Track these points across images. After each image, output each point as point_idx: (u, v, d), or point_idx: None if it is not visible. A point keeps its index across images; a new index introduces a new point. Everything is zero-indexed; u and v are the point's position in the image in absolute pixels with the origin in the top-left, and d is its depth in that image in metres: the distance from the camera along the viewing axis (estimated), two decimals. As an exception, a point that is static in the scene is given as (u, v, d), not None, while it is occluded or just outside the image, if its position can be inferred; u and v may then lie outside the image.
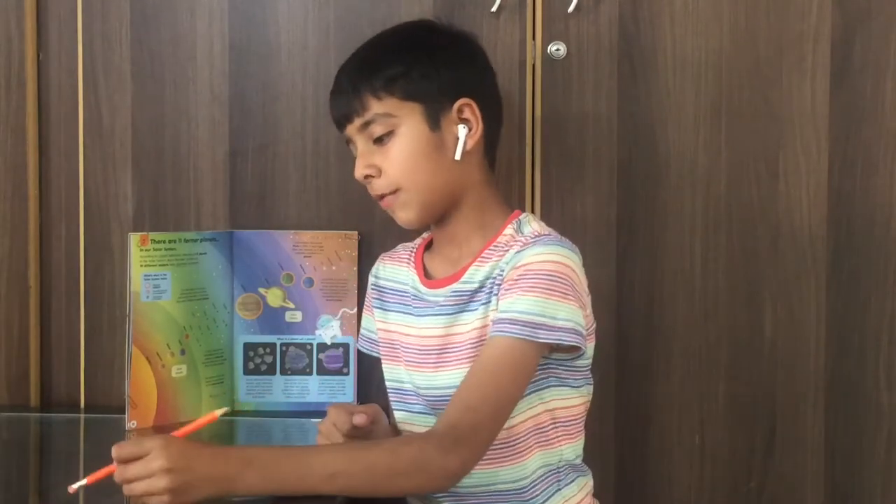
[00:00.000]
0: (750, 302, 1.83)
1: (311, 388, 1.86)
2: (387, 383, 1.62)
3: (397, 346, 1.59)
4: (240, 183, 1.89)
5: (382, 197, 1.54)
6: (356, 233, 1.86)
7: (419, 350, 1.55)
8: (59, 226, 1.91)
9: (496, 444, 1.45)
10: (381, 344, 1.63)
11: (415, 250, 1.63)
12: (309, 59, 1.87)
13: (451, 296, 1.52)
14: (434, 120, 1.51)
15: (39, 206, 1.91)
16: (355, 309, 1.84)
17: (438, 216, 1.55)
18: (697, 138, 1.82)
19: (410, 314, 1.57)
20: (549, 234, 1.50)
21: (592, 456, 1.59)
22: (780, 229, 1.82)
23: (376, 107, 1.51)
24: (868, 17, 1.80)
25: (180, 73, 1.89)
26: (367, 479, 1.32)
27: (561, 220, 1.79)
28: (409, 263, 1.62)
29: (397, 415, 1.60)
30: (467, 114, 1.52)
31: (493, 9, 1.80)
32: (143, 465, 1.26)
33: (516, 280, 1.44)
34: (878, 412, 1.82)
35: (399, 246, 1.67)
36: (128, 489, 1.27)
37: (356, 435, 1.45)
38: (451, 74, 1.54)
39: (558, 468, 1.52)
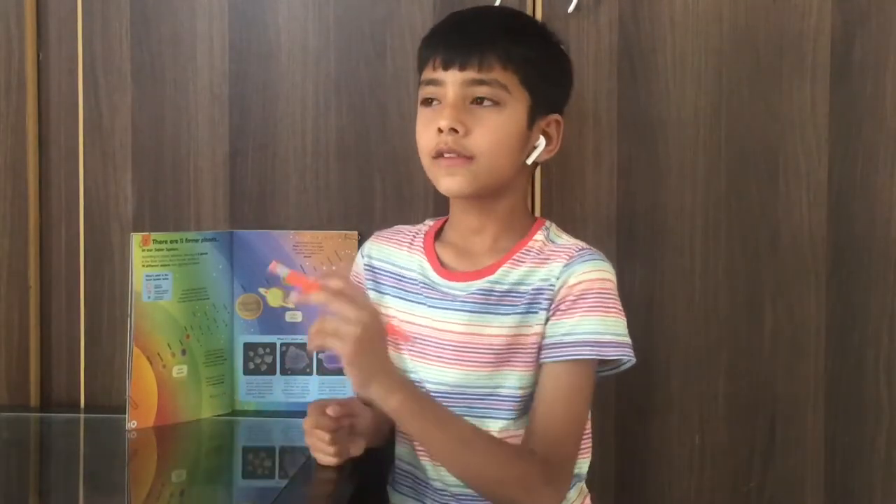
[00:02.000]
0: (750, 302, 1.83)
1: (311, 388, 1.86)
2: None
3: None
4: (240, 183, 1.89)
5: (451, 155, 1.48)
6: (356, 233, 1.86)
7: (434, 343, 1.53)
8: (59, 226, 1.91)
9: None
10: None
11: (420, 235, 1.60)
12: (309, 59, 1.87)
13: (477, 293, 1.51)
14: (531, 119, 1.51)
15: (39, 206, 1.91)
16: (355, 309, 1.84)
17: (482, 199, 1.52)
18: (697, 138, 1.82)
19: (421, 303, 1.54)
20: (588, 248, 1.52)
21: (593, 456, 1.59)
22: (780, 229, 1.82)
23: (498, 74, 1.47)
24: (868, 17, 1.80)
25: (180, 73, 1.89)
26: (484, 459, 1.39)
27: (561, 220, 1.79)
28: (411, 247, 1.59)
29: None
30: (553, 130, 1.54)
31: (494, 9, 1.80)
32: (348, 313, 1.32)
33: (574, 301, 1.46)
34: (878, 412, 1.82)
35: (395, 227, 1.65)
36: (319, 323, 1.34)
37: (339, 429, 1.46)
38: (561, 87, 1.58)
39: (580, 476, 1.53)
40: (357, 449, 1.48)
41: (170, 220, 1.89)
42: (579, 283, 1.46)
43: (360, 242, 1.85)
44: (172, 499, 1.51)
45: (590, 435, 1.55)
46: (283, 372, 1.86)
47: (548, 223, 1.57)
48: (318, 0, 1.87)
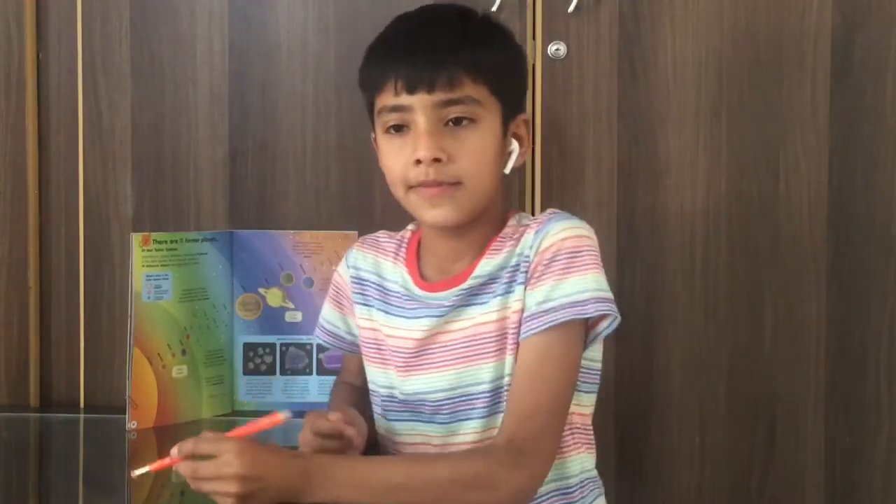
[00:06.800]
0: (750, 302, 1.83)
1: (311, 389, 1.86)
2: (376, 389, 1.48)
3: (384, 349, 1.46)
4: (240, 183, 1.89)
5: (439, 185, 1.34)
6: (356, 233, 1.85)
7: (420, 352, 1.42)
8: (59, 226, 1.92)
9: None
10: (366, 344, 1.49)
11: (404, 245, 1.49)
12: (309, 59, 1.87)
13: (456, 291, 1.40)
14: (505, 125, 1.39)
15: (39, 206, 1.91)
16: (355, 309, 1.84)
17: (462, 225, 1.39)
18: (697, 138, 1.82)
19: (402, 316, 1.44)
20: (559, 211, 1.41)
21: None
22: (780, 229, 1.82)
23: (470, 89, 1.33)
24: (868, 17, 1.80)
25: (180, 73, 1.89)
26: (428, 492, 1.26)
27: (561, 220, 1.79)
28: (395, 258, 1.48)
29: (398, 426, 1.46)
30: (522, 131, 1.42)
31: (494, 8, 1.80)
32: (216, 466, 1.23)
33: (547, 265, 1.34)
34: (878, 412, 1.82)
35: (381, 233, 1.54)
36: (195, 485, 1.24)
37: (336, 437, 1.38)
38: (524, 83, 1.48)
39: (592, 478, 1.46)
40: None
41: (170, 220, 1.90)
42: (550, 245, 1.34)
43: (360, 242, 1.85)
44: (172, 499, 1.51)
45: (591, 430, 1.47)
46: (283, 372, 1.86)
47: (519, 213, 1.45)
48: (318, 0, 1.87)
